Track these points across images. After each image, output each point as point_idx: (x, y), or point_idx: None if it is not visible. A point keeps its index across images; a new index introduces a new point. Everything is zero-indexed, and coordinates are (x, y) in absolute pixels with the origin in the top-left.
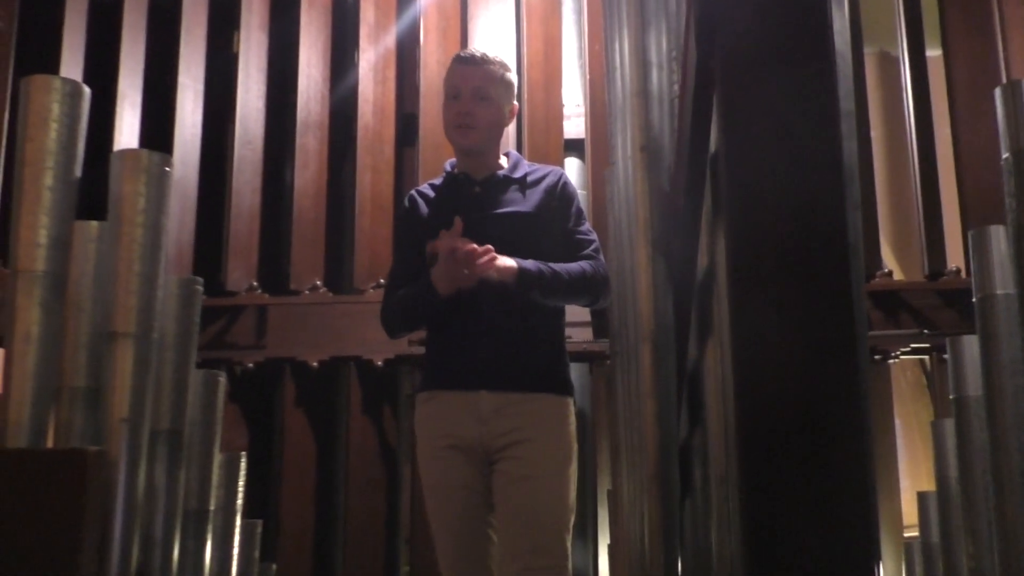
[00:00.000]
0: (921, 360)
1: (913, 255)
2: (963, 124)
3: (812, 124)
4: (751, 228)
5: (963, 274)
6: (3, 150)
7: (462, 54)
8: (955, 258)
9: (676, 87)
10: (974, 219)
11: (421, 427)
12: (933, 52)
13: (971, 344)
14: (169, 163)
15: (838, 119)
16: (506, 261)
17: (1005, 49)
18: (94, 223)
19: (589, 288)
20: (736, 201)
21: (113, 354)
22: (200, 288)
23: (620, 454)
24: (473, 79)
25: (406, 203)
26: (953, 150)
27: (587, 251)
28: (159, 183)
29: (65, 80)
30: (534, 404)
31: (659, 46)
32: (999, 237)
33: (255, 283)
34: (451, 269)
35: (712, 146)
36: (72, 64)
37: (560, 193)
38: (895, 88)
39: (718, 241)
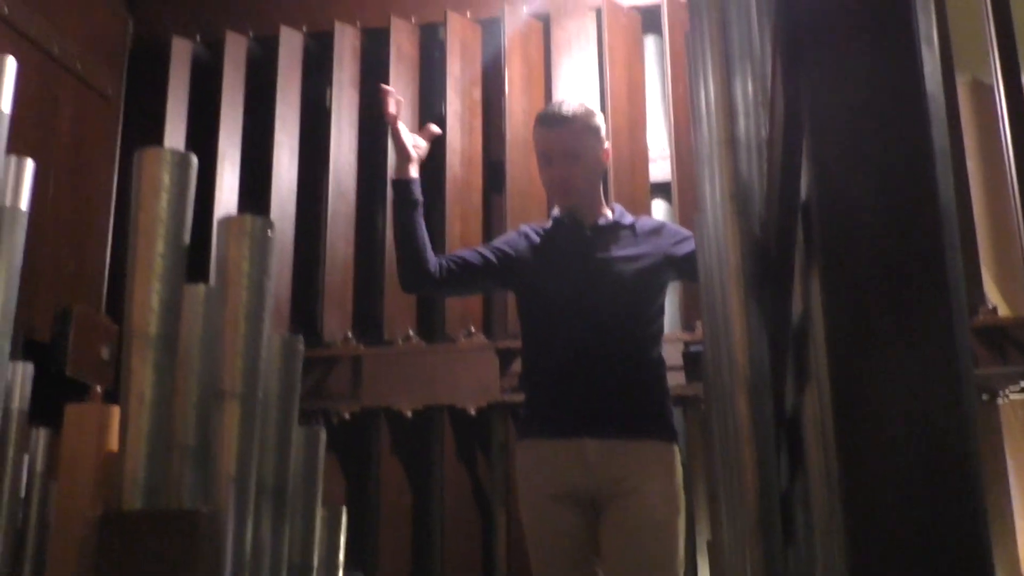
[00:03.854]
0: None
1: (1018, 289)
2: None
3: (906, 167)
4: (846, 273)
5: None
6: (112, 214)
7: (546, 115)
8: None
9: (763, 133)
10: None
11: (524, 476)
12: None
13: None
14: (271, 227)
15: (933, 159)
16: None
17: None
18: (201, 286)
19: None
20: (830, 247)
21: (221, 413)
22: (301, 347)
23: (719, 503)
24: (561, 142)
25: (516, 233)
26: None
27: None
28: (262, 247)
29: (174, 152)
30: (642, 451)
31: (745, 92)
32: None
33: (350, 334)
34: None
35: (803, 192)
36: (176, 126)
37: (669, 229)
38: (990, 116)
39: (812, 286)
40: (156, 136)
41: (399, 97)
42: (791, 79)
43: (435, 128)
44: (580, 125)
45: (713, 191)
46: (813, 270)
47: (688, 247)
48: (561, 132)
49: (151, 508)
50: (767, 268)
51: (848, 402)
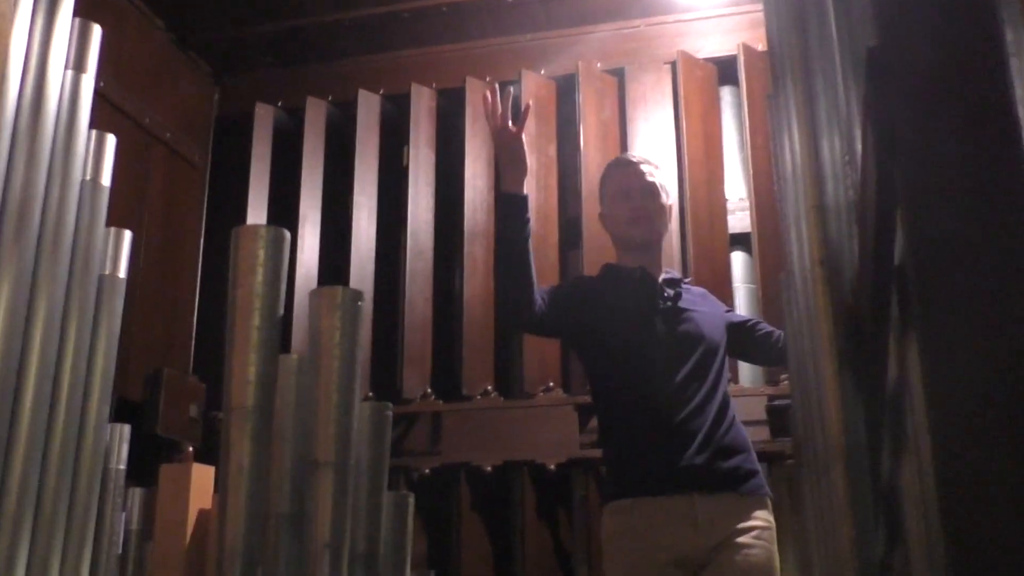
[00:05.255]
0: None
1: None
2: None
3: (1003, 230)
4: (947, 346)
5: None
6: (199, 278)
7: (622, 159)
8: None
9: (851, 194)
10: None
11: (621, 537)
12: None
13: None
14: (362, 298)
15: None
16: None
17: None
18: (295, 357)
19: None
20: (929, 316)
21: (315, 482)
22: (390, 414)
23: (812, 569)
24: (641, 178)
25: (574, 280)
26: None
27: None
28: (353, 317)
29: (270, 228)
30: (747, 506)
31: (832, 154)
32: None
33: (429, 390)
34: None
35: (897, 257)
36: (259, 192)
37: (714, 298)
38: None
39: (909, 352)
40: (240, 201)
41: (495, 98)
42: (884, 143)
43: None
44: (655, 170)
45: (802, 255)
46: (909, 337)
47: (740, 317)
48: (641, 169)
49: None
50: (860, 335)
51: (953, 480)
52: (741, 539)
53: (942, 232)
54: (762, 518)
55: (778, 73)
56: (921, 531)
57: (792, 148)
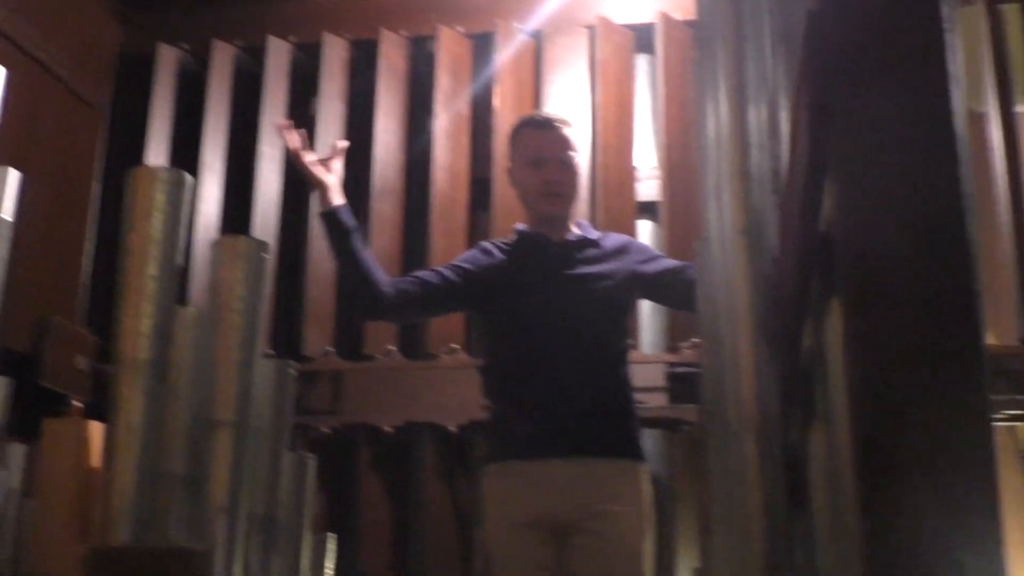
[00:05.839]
0: (1011, 427)
1: (1006, 318)
2: None
3: (938, 207)
4: (874, 313)
5: None
6: (93, 224)
7: (538, 118)
8: None
9: (774, 162)
10: None
11: (491, 501)
12: (1021, 107)
13: None
14: (266, 249)
15: (964, 200)
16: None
17: None
18: (194, 310)
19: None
20: (856, 281)
21: (213, 442)
22: (294, 372)
23: (715, 536)
24: (556, 145)
25: (476, 249)
26: None
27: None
28: (257, 269)
29: (170, 170)
30: (611, 471)
31: (758, 120)
32: None
33: (330, 348)
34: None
35: (822, 227)
36: (159, 137)
37: (636, 247)
38: (983, 146)
39: (826, 323)
40: (141, 145)
41: (292, 128)
42: (818, 113)
43: (342, 143)
44: (571, 133)
45: (721, 223)
46: (829, 307)
47: (656, 266)
48: (556, 135)
49: (140, 543)
50: (778, 304)
51: (870, 448)
52: (610, 507)
53: (873, 198)
54: (635, 486)
55: (706, 39)
56: (828, 501)
57: (717, 115)
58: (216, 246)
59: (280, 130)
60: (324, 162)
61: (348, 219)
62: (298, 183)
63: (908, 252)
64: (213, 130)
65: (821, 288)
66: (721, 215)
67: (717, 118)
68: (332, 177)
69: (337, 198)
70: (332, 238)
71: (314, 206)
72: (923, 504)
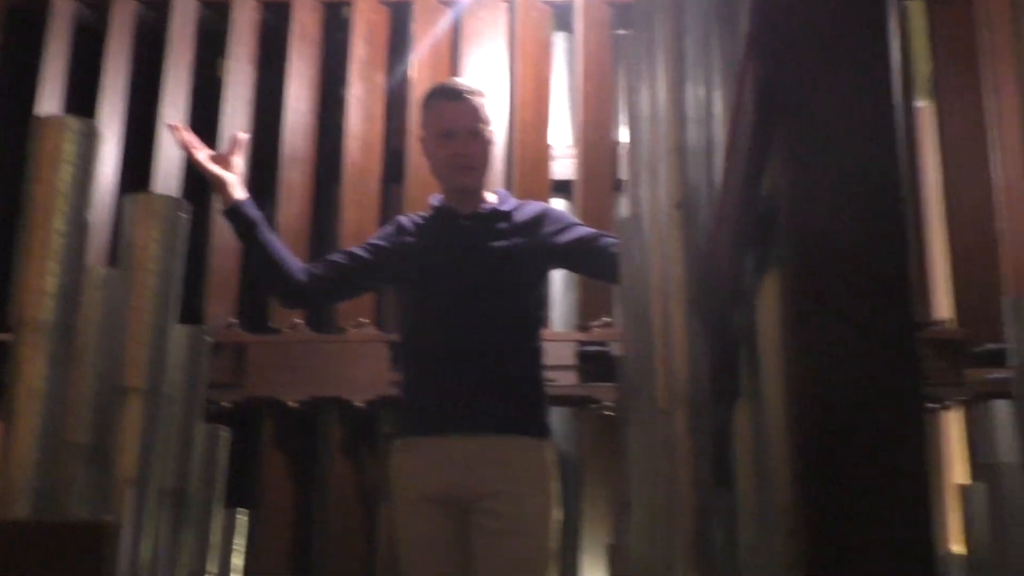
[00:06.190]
0: (944, 404)
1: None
2: (954, 176)
3: (878, 185)
4: (813, 287)
5: (952, 325)
6: None
7: (447, 88)
8: (943, 308)
9: (711, 137)
10: (963, 270)
11: (397, 477)
12: (922, 102)
13: (1002, 409)
14: (184, 208)
15: (902, 181)
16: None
17: (998, 103)
18: (102, 270)
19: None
20: (800, 253)
21: (121, 410)
22: (209, 339)
23: (633, 513)
24: (466, 117)
25: (391, 225)
26: (944, 202)
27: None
28: (173, 228)
29: (82, 120)
30: (511, 449)
31: (695, 96)
32: None
33: (234, 320)
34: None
35: (762, 202)
36: (51, 93)
37: (551, 217)
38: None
39: (760, 300)
40: (31, 102)
41: (185, 130)
42: (765, 89)
43: (241, 136)
44: (484, 103)
45: (655, 198)
46: (762, 285)
47: (571, 235)
48: (467, 106)
49: (41, 518)
50: (712, 281)
51: (806, 423)
52: (513, 486)
53: (818, 174)
54: (540, 464)
55: (645, 12)
56: (750, 475)
57: (653, 90)
58: (130, 203)
59: (172, 131)
60: (223, 157)
61: (253, 212)
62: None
63: (851, 228)
64: (111, 89)
65: (755, 265)
66: (655, 191)
67: (653, 92)
68: (232, 175)
69: (239, 192)
70: (239, 233)
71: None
72: (856, 479)
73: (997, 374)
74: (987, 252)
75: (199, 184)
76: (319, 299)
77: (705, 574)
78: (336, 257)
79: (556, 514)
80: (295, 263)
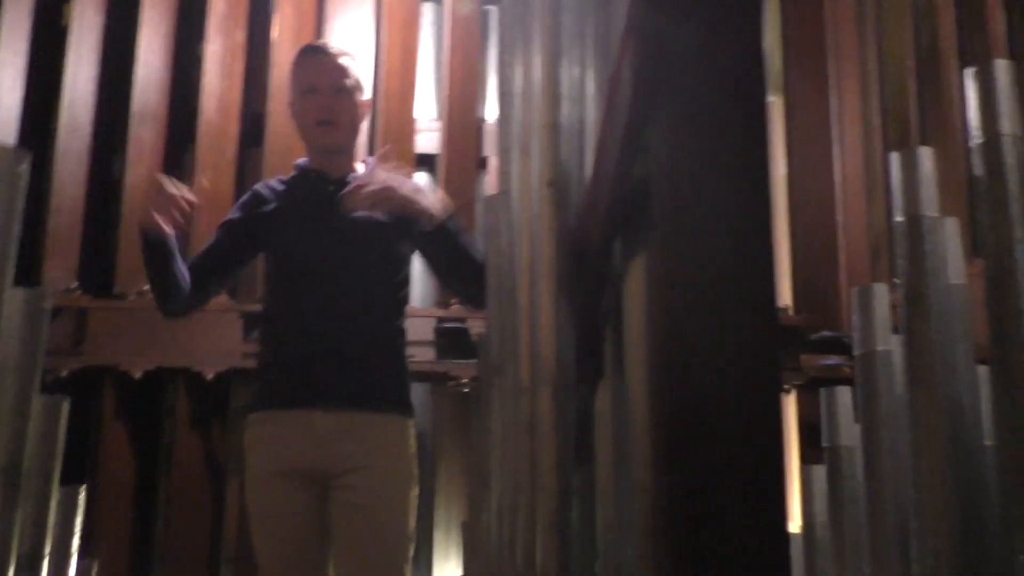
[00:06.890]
0: (799, 386)
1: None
2: (798, 169)
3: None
4: (679, 261)
5: (791, 312)
6: None
7: (312, 46)
8: (783, 296)
9: (585, 120)
10: (802, 259)
11: (252, 450)
12: (772, 97)
13: (844, 394)
14: (26, 160)
15: (767, 152)
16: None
17: (841, 102)
18: None
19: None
20: (668, 236)
21: None
22: (50, 304)
23: (492, 491)
24: (331, 72)
25: (248, 195)
26: (788, 195)
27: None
28: (12, 182)
29: None
30: (373, 426)
31: (569, 72)
32: (882, 295)
33: (75, 284)
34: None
35: (634, 181)
36: None
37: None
38: None
39: (627, 283)
40: None
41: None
42: (644, 66)
43: (192, 199)
44: (349, 62)
45: (526, 176)
46: (631, 266)
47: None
48: (332, 62)
49: None
50: (582, 261)
51: (667, 401)
52: (372, 462)
53: (693, 151)
54: (400, 441)
55: None
56: (610, 457)
57: (527, 65)
58: None
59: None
60: (174, 219)
61: (174, 245)
62: (44, 99)
63: (720, 211)
64: None
65: (624, 247)
66: (527, 167)
67: (527, 67)
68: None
69: (169, 229)
70: (152, 256)
71: (66, 125)
72: (714, 458)
73: (831, 360)
74: (826, 243)
75: (38, 133)
76: (206, 299)
77: (563, 550)
78: (204, 251)
79: (415, 492)
80: (188, 280)
